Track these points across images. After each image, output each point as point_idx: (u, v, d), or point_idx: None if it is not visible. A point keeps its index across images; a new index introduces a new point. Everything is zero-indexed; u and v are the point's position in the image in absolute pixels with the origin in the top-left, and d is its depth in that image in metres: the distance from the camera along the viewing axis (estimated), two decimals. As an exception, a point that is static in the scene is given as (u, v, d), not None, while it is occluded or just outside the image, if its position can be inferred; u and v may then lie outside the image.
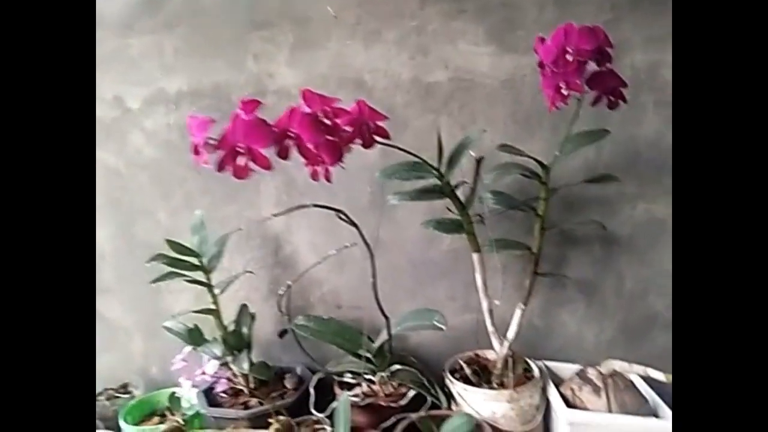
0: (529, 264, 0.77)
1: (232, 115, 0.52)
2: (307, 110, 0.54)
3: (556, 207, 0.83)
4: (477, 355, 0.87)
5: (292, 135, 0.54)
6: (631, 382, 0.75)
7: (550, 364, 0.87)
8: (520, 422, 0.74)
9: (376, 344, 0.82)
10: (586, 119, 0.69)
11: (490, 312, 0.79)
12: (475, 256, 0.75)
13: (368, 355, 0.79)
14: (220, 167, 0.53)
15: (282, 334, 0.85)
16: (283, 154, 0.55)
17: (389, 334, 0.80)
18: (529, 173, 0.73)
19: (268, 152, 0.54)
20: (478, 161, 0.70)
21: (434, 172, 0.67)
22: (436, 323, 0.73)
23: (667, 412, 0.72)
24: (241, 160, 0.52)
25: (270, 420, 0.72)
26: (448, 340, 0.92)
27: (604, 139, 0.70)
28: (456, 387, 0.77)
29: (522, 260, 0.86)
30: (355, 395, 0.77)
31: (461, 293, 0.92)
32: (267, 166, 0.53)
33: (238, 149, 0.51)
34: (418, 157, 0.66)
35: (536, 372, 0.80)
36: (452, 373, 0.81)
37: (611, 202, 0.85)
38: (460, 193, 0.71)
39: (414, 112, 0.87)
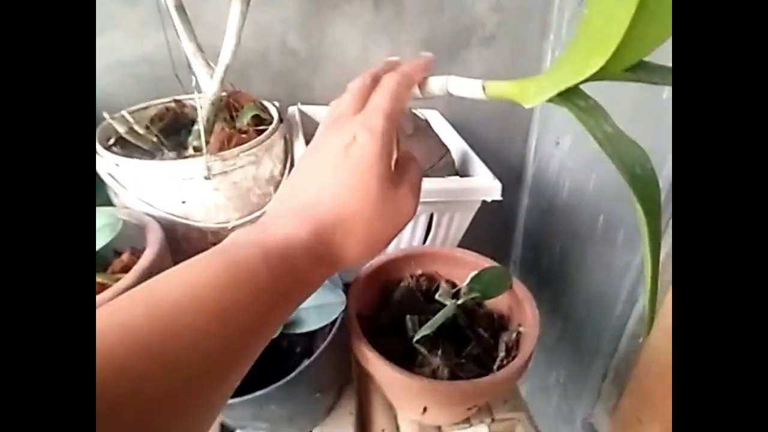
0: None
1: None
2: None
3: None
4: (174, 103, 0.48)
5: None
6: (426, 121, 0.44)
7: (310, 108, 0.52)
8: (235, 208, 0.41)
9: None
10: None
11: (181, 11, 0.38)
12: None
13: None
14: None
15: None
16: None
17: None
18: None
19: None
20: None
21: None
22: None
23: (475, 165, 0.44)
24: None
25: None
26: (131, 86, 0.50)
27: None
28: (106, 163, 0.39)
29: None
30: None
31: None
32: None
33: None
34: None
35: (274, 119, 0.44)
36: (106, 141, 0.41)
37: None
38: None
39: None
